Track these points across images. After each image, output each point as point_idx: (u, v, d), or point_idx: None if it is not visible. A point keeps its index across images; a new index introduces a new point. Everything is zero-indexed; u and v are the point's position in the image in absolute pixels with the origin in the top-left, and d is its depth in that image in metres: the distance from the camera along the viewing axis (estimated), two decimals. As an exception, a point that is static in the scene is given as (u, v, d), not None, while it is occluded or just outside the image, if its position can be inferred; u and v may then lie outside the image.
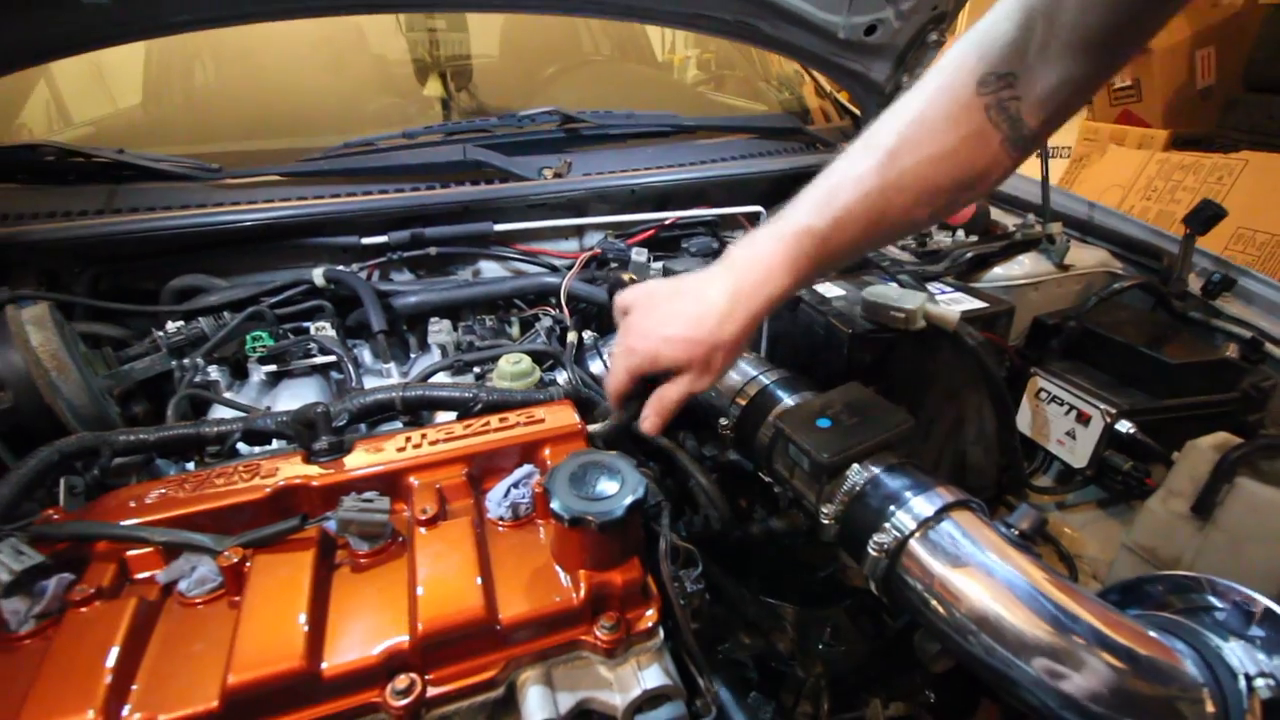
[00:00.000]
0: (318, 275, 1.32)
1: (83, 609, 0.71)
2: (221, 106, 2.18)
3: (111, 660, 0.65)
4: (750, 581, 1.23)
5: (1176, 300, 1.36)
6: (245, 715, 0.64)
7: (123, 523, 0.77)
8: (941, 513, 0.78)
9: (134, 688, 0.64)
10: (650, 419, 0.93)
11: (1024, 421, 1.33)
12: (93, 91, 2.30)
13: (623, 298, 0.96)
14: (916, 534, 0.78)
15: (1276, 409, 1.31)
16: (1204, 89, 4.09)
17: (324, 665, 0.66)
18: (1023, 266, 1.43)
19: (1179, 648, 0.72)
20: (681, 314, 0.88)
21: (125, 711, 0.62)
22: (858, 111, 2.10)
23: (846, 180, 0.85)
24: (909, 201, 0.84)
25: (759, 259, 0.86)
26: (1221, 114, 4.00)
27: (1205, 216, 1.30)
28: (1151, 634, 0.72)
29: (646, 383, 0.92)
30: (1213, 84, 4.08)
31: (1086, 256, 1.49)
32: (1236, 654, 0.70)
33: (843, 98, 2.20)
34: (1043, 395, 1.29)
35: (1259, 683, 0.68)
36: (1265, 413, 1.23)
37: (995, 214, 1.63)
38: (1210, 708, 0.68)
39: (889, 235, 0.91)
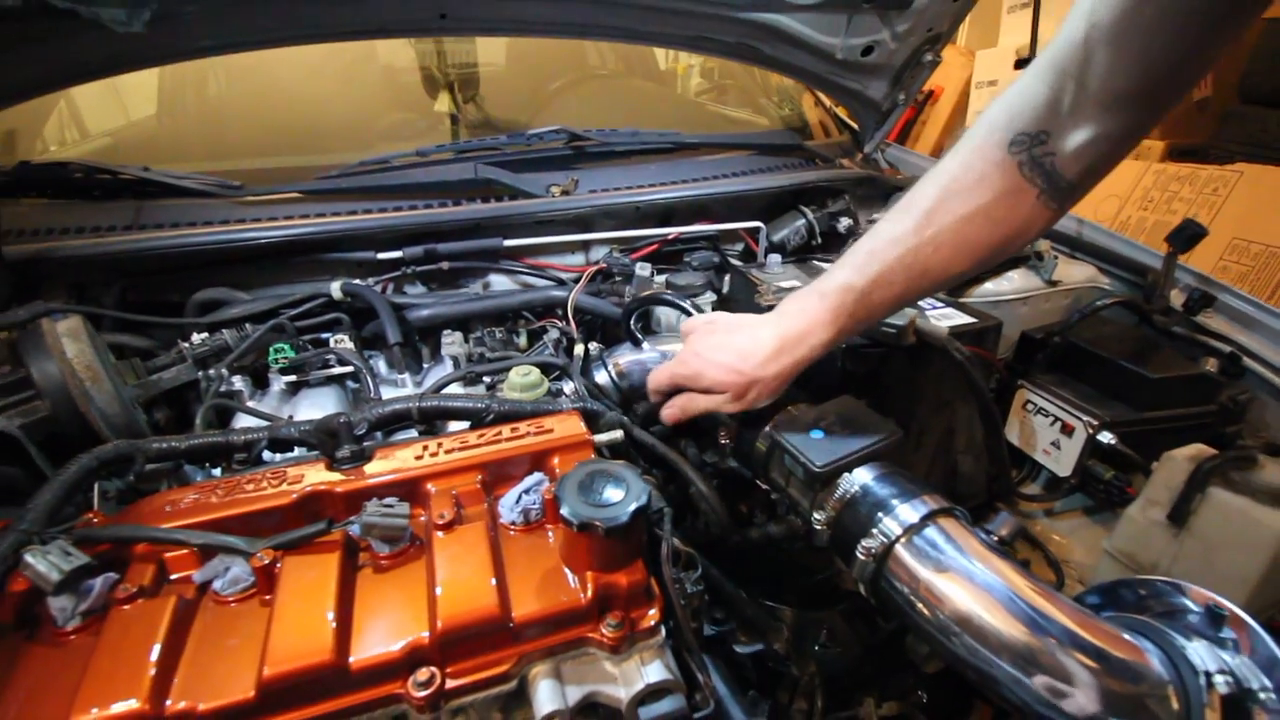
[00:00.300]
0: (335, 289, 1.38)
1: (126, 606, 0.76)
2: (236, 119, 2.24)
3: (155, 653, 0.70)
4: (749, 585, 1.28)
5: (1159, 316, 1.41)
6: (279, 705, 0.69)
7: (161, 526, 0.83)
8: (926, 519, 0.84)
9: (176, 679, 0.69)
10: (672, 411, 1.07)
11: (1012, 432, 1.38)
12: (106, 100, 2.37)
13: (688, 323, 1.11)
14: (902, 539, 0.83)
15: (1258, 419, 1.37)
16: (1200, 101, 4.14)
17: (351, 659, 0.71)
18: (1012, 282, 1.49)
19: (1147, 648, 0.77)
20: (734, 346, 1.00)
21: (169, 700, 0.67)
22: (856, 126, 2.16)
23: (885, 241, 0.93)
24: (947, 257, 0.91)
25: (805, 311, 0.97)
26: (1217, 126, 4.05)
27: (1187, 235, 1.35)
28: (1122, 635, 0.77)
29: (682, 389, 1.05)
30: (1209, 96, 4.13)
31: (1074, 272, 1.55)
32: (1199, 653, 0.75)
33: (842, 113, 2.26)
34: (1029, 407, 1.34)
35: (1218, 679, 0.73)
36: (1243, 425, 1.28)
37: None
38: (1175, 704, 0.73)
39: (933, 288, 0.97)
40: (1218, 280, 1.46)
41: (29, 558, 0.74)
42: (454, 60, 2.20)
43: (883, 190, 2.02)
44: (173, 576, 0.82)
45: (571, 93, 2.49)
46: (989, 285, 1.49)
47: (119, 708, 0.65)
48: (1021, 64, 5.10)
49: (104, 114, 2.39)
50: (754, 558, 1.29)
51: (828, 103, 2.28)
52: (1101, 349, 1.30)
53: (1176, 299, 1.46)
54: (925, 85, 2.02)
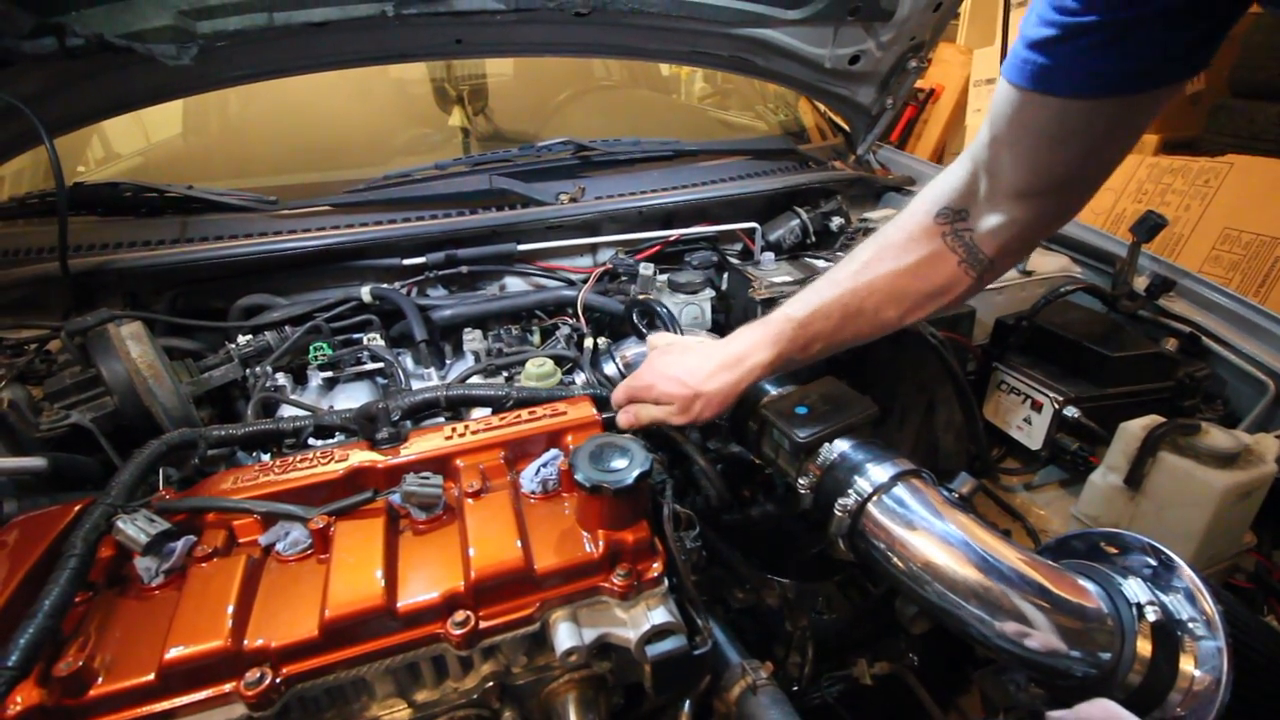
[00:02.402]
0: (365, 293, 1.51)
1: (203, 565, 0.88)
2: (259, 137, 2.37)
3: (232, 602, 0.82)
4: (751, 560, 1.38)
5: (1126, 300, 1.52)
6: (338, 642, 0.81)
7: (230, 498, 0.95)
8: (895, 479, 0.95)
9: (250, 623, 0.81)
10: (626, 417, 1.15)
11: (990, 410, 1.49)
12: (127, 121, 2.49)
13: (654, 339, 1.23)
14: (874, 497, 0.94)
15: (1217, 393, 1.47)
16: (1193, 94, 4.22)
17: (399, 604, 0.83)
18: (990, 272, 1.60)
19: (1090, 587, 0.88)
20: (685, 365, 1.11)
21: (246, 640, 0.79)
22: (848, 128, 2.27)
23: (826, 283, 1.07)
24: (878, 303, 1.04)
25: (748, 337, 1.09)
26: (1209, 119, 4.12)
27: (1149, 226, 1.46)
28: (1066, 575, 0.88)
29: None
30: (1201, 89, 4.21)
31: (1048, 262, 1.66)
32: (1133, 588, 0.86)
33: (836, 117, 2.37)
34: (1003, 386, 1.45)
35: (1148, 610, 0.84)
36: (1199, 398, 1.39)
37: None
38: (1112, 634, 0.84)
39: (865, 330, 1.09)
40: (1179, 266, 1.57)
41: (120, 524, 0.87)
42: (463, 72, 2.32)
43: (873, 190, 2.13)
44: (240, 541, 0.94)
45: (577, 103, 2.61)
46: (968, 276, 1.60)
47: (205, 645, 0.78)
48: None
49: (126, 134, 2.52)
50: (755, 534, 1.40)
51: (822, 107, 2.39)
52: (1068, 332, 1.41)
53: (1141, 285, 1.56)
54: (923, 85, 2.13)
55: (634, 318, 1.45)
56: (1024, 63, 0.81)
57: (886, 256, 1.03)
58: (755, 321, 1.11)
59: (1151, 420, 1.19)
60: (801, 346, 1.08)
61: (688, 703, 1.00)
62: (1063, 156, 0.87)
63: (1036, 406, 1.38)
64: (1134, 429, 1.19)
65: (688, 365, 1.10)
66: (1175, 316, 1.51)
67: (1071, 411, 1.32)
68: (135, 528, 0.86)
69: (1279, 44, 3.76)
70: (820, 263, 1.57)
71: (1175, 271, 1.58)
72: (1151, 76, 0.78)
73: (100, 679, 0.76)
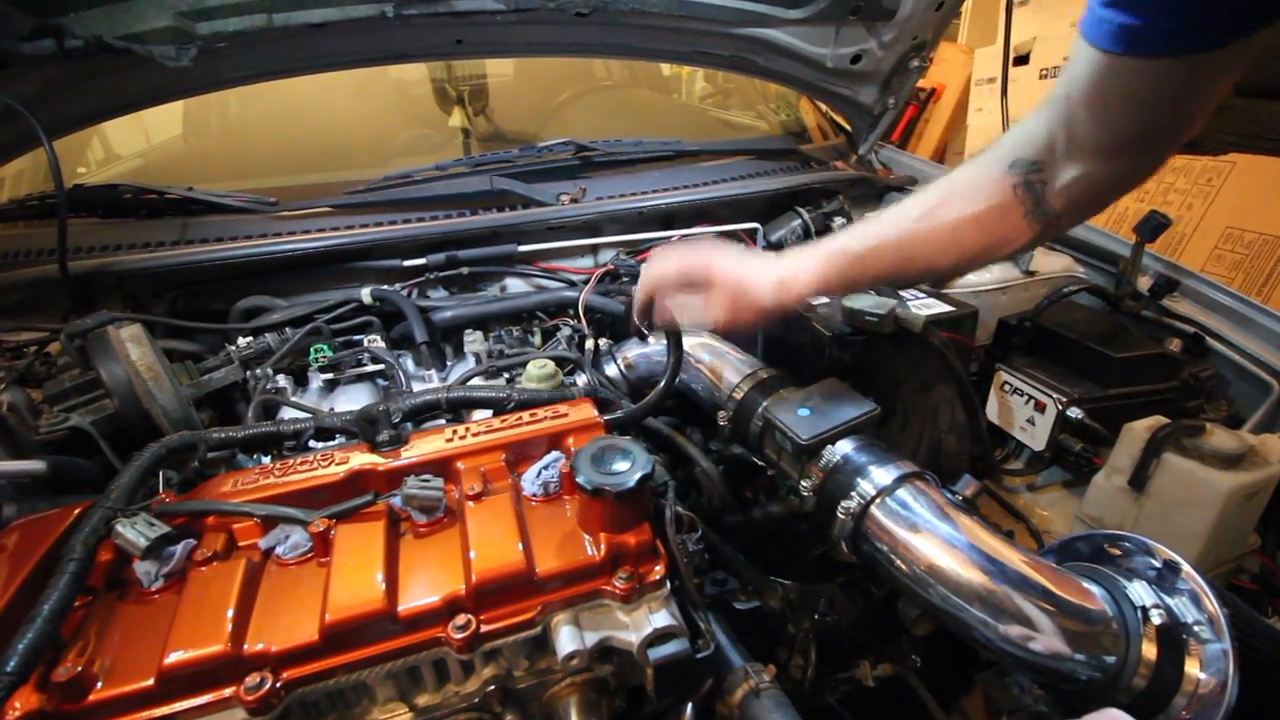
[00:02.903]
0: (366, 294, 1.50)
1: (203, 569, 0.88)
2: (259, 138, 2.37)
3: (232, 605, 0.82)
4: (754, 562, 1.38)
5: (1129, 300, 1.51)
6: (339, 646, 0.81)
7: (230, 501, 0.95)
8: (898, 481, 0.94)
9: (250, 627, 0.81)
10: (660, 312, 1.15)
11: (992, 411, 1.49)
12: (127, 122, 2.50)
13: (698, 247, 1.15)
14: (877, 500, 0.94)
15: (1221, 394, 1.47)
16: (1195, 93, 4.20)
17: (399, 608, 0.83)
18: (992, 273, 1.59)
19: (1095, 590, 0.87)
20: (745, 260, 1.09)
21: (246, 644, 0.79)
22: (850, 128, 2.26)
23: (889, 223, 1.04)
24: (934, 251, 1.01)
25: (801, 260, 1.06)
26: (1211, 117, 4.10)
27: (1152, 225, 1.45)
28: (1070, 578, 0.87)
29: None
30: (1204, 88, 4.19)
31: (1051, 263, 1.65)
32: (1137, 591, 0.86)
33: (837, 117, 2.36)
34: (1006, 387, 1.45)
35: (1153, 613, 0.83)
36: (1203, 399, 1.38)
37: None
38: (1117, 637, 0.84)
39: (914, 275, 1.09)
40: (1183, 266, 1.56)
41: (120, 528, 0.86)
42: (464, 73, 2.32)
43: (875, 190, 2.12)
44: (240, 544, 0.94)
45: (578, 103, 2.60)
46: (970, 276, 1.60)
47: (205, 650, 0.77)
48: (1021, 61, 5.12)
49: (127, 135, 2.53)
50: (758, 536, 1.39)
51: (824, 107, 2.39)
52: (1071, 332, 1.40)
53: (1145, 285, 1.56)
54: (925, 84, 2.12)
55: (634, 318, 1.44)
56: (1101, 21, 0.77)
57: (953, 203, 1.00)
58: (810, 246, 1.09)
59: (1156, 421, 1.18)
60: (850, 280, 1.07)
61: (690, 706, 0.99)
62: (1146, 116, 0.84)
63: (1040, 407, 1.37)
64: (1138, 430, 1.18)
65: (744, 261, 1.09)
66: (1179, 316, 1.50)
67: (1075, 412, 1.32)
68: (134, 531, 0.86)
69: (1282, 42, 3.74)
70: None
71: (1179, 271, 1.57)
72: (1236, 26, 0.74)
73: (99, 684, 0.75)
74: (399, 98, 2.54)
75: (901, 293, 1.42)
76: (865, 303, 1.25)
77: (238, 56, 1.43)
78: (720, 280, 1.07)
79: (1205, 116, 0.86)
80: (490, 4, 1.44)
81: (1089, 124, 0.87)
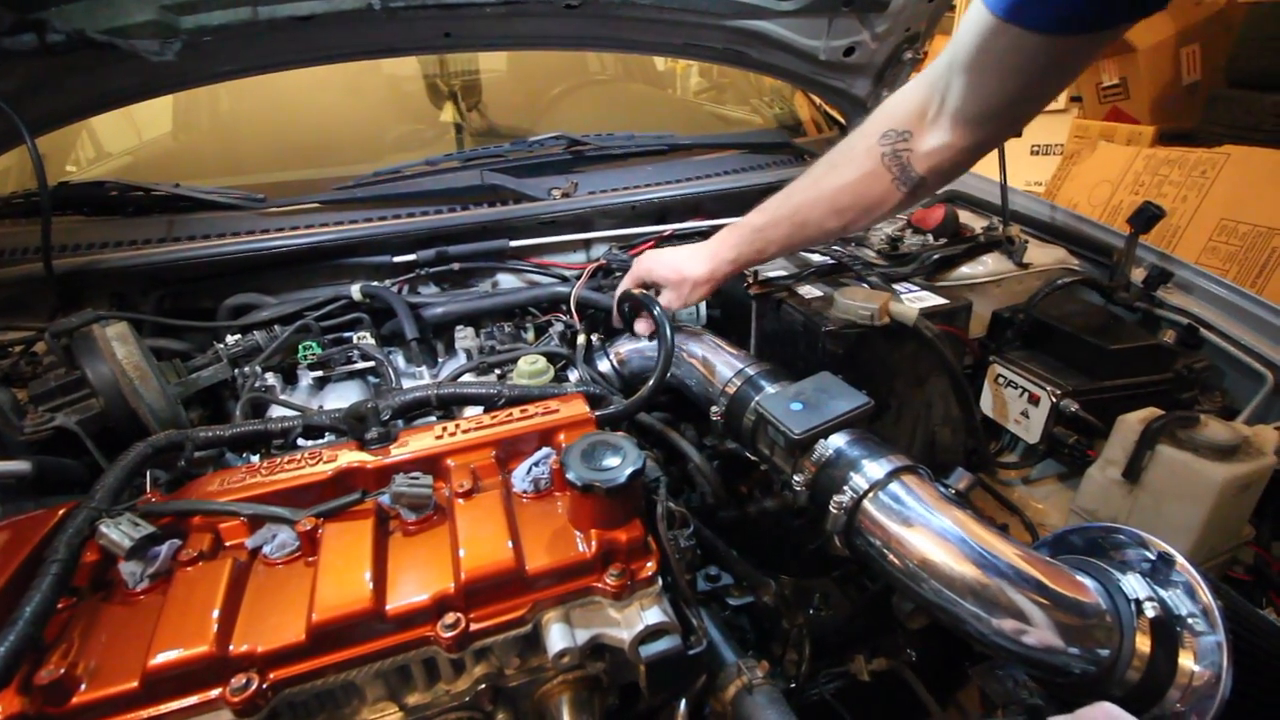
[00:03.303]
0: (355, 291, 1.49)
1: (189, 569, 0.87)
2: (250, 134, 2.35)
3: (217, 607, 0.81)
4: (749, 557, 1.37)
5: (1123, 292, 1.51)
6: (326, 646, 0.80)
7: (216, 500, 0.94)
8: (891, 475, 0.94)
9: (236, 627, 0.80)
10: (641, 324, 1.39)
11: (987, 404, 1.48)
12: (118, 119, 2.47)
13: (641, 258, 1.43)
14: (869, 493, 0.93)
15: (1216, 385, 1.46)
16: (1190, 85, 4.21)
17: (388, 607, 0.82)
18: (986, 266, 1.59)
19: (1088, 583, 0.87)
20: (674, 254, 1.37)
21: (232, 645, 0.78)
22: (845, 122, 2.25)
23: (782, 195, 1.27)
24: (822, 214, 1.21)
25: (720, 238, 1.34)
26: (1205, 109, 4.11)
27: (1146, 217, 1.45)
28: (1065, 571, 0.87)
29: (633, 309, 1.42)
30: (1198, 80, 4.20)
31: (1045, 255, 1.64)
32: (1131, 584, 0.85)
33: (831, 110, 2.35)
34: (1000, 380, 1.44)
35: (1147, 606, 0.82)
36: (1197, 390, 1.38)
37: (967, 217, 1.77)
38: (1112, 630, 0.83)
39: (813, 235, 1.27)
40: (1177, 258, 1.56)
41: (104, 528, 0.85)
42: (456, 68, 2.30)
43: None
44: (227, 544, 0.93)
45: (571, 98, 2.59)
46: (964, 269, 1.59)
47: (190, 651, 0.76)
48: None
49: (117, 132, 2.51)
50: (753, 532, 1.39)
51: (818, 101, 2.37)
52: (1065, 324, 1.40)
53: (1139, 277, 1.55)
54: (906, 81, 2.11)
55: (625, 313, 1.43)
56: None
57: (833, 173, 1.19)
58: (728, 225, 1.35)
59: (1150, 413, 1.18)
60: (758, 249, 1.30)
61: (683, 703, 0.98)
62: (1012, 87, 0.96)
63: (1034, 400, 1.37)
64: (1132, 422, 1.18)
65: (677, 255, 1.37)
66: (1173, 308, 1.50)
67: (1069, 405, 1.31)
68: (119, 532, 0.85)
69: (1275, 34, 3.74)
70: (815, 256, 1.56)
71: (1173, 263, 1.56)
72: (1118, 15, 0.85)
73: (83, 686, 0.74)
74: (391, 93, 2.53)
75: (895, 286, 1.42)
76: (858, 296, 1.25)
77: (223, 51, 1.41)
78: (661, 276, 1.35)
79: (1058, 93, 1.08)
80: (479, -4, 1.43)
81: (963, 91, 0.99)
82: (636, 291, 1.35)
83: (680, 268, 1.33)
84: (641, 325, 1.42)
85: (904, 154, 1.09)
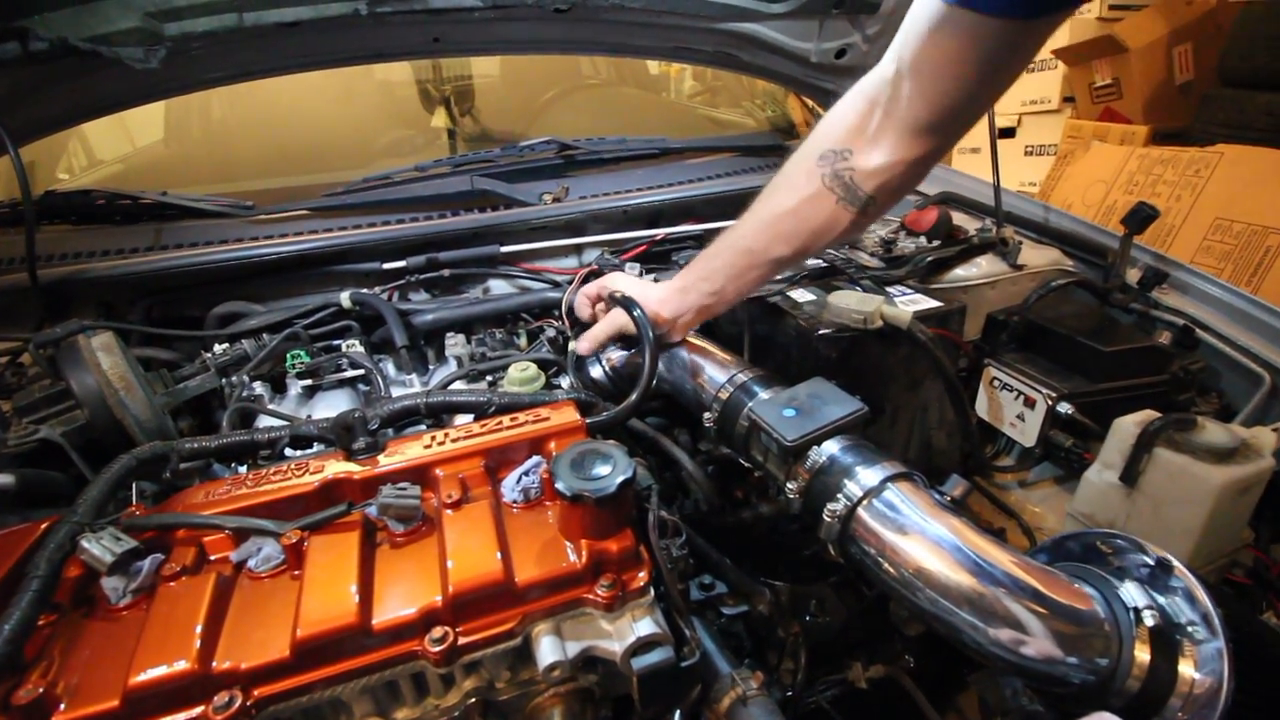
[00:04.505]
0: (345, 298, 1.47)
1: (172, 584, 0.85)
2: (242, 141, 2.34)
3: (200, 622, 0.79)
4: (745, 563, 1.36)
5: (1119, 293, 1.50)
6: (311, 662, 0.78)
7: (199, 514, 0.92)
8: (885, 482, 0.92)
9: (219, 644, 0.78)
10: (582, 344, 1.34)
11: (982, 407, 1.47)
12: (112, 127, 2.46)
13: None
14: (864, 501, 0.92)
15: (1211, 387, 1.46)
16: (1183, 84, 4.21)
17: (373, 621, 0.80)
18: (979, 268, 1.58)
19: (1088, 591, 0.85)
20: (648, 286, 1.30)
21: (215, 661, 0.76)
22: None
23: (733, 226, 1.19)
24: (766, 242, 1.14)
25: (675, 304, 1.26)
26: (1198, 109, 4.11)
27: (1140, 217, 1.44)
28: (1062, 579, 0.85)
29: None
30: (1191, 79, 4.20)
31: (1039, 256, 1.64)
32: (1130, 592, 0.84)
33: (823, 111, 2.34)
34: (995, 383, 1.43)
35: (1146, 614, 0.81)
36: (1194, 392, 1.37)
37: (960, 219, 1.77)
38: (1110, 639, 0.82)
39: (765, 269, 1.19)
40: (1172, 258, 1.55)
41: (85, 543, 0.83)
42: (449, 73, 2.29)
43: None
44: (212, 557, 0.91)
45: (564, 102, 2.59)
46: (958, 271, 1.58)
47: (172, 668, 0.75)
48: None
49: (110, 140, 2.49)
50: (747, 537, 1.37)
51: (810, 103, 2.37)
52: (1060, 326, 1.39)
53: (1134, 277, 1.54)
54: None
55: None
56: None
57: (772, 199, 1.12)
58: (676, 287, 1.26)
59: (1146, 416, 1.17)
60: (705, 278, 1.22)
61: (677, 714, 0.97)
62: (963, 83, 0.91)
63: (1029, 403, 1.36)
64: (1128, 425, 1.17)
65: (651, 287, 1.30)
66: (1168, 309, 1.49)
67: (1065, 408, 1.30)
68: (100, 547, 0.83)
69: (1268, 33, 3.74)
70: (808, 260, 1.55)
71: (1167, 263, 1.55)
72: None
73: (63, 705, 0.73)
74: (384, 98, 2.52)
75: (889, 289, 1.41)
76: (851, 300, 1.23)
77: (210, 58, 1.40)
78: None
79: (1004, 90, 0.96)
80: (467, 0, 1.42)
81: (910, 94, 0.94)
82: (617, 294, 1.33)
83: (647, 294, 1.27)
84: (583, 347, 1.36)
85: (845, 173, 1.03)
